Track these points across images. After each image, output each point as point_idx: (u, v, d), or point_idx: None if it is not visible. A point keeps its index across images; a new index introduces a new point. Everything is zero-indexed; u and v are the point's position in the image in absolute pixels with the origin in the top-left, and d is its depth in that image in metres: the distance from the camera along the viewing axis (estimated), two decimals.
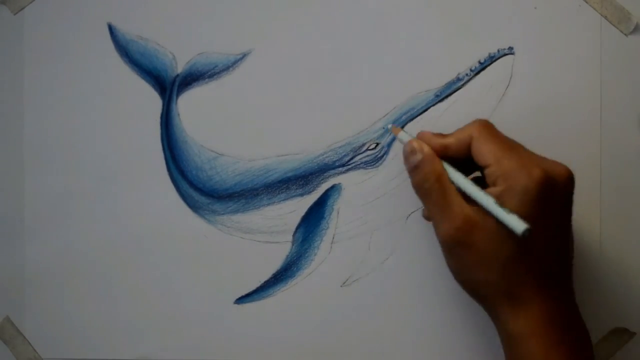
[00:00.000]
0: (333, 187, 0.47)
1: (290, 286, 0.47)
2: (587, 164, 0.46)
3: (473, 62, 0.46)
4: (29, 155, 0.49)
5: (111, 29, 0.48)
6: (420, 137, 0.41)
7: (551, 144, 0.46)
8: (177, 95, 0.48)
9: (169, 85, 0.48)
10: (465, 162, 0.39)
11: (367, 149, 0.47)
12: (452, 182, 0.39)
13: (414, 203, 0.46)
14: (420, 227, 0.46)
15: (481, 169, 0.38)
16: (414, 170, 0.40)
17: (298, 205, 0.47)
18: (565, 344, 0.37)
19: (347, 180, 0.47)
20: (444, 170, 0.39)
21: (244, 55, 0.47)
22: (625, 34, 0.45)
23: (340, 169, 0.47)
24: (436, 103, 0.46)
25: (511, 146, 0.38)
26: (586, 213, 0.45)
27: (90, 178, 0.48)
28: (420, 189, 0.40)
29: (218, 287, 0.47)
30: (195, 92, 0.48)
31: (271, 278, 0.47)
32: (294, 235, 0.47)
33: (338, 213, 0.47)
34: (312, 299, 0.47)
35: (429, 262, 0.46)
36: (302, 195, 0.47)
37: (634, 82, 0.46)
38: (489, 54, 0.46)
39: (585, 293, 0.45)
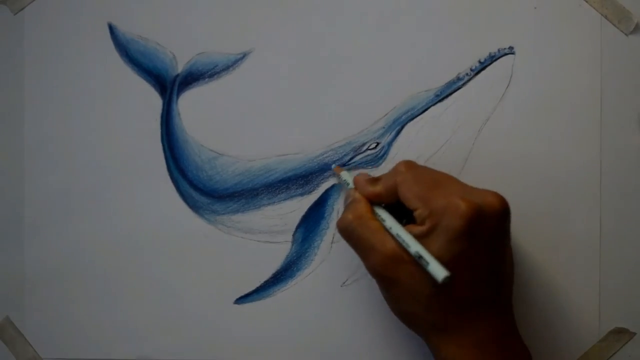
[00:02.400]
0: (333, 186, 0.47)
1: (290, 286, 0.47)
2: (587, 164, 0.46)
3: (473, 62, 0.46)
4: (29, 155, 0.49)
5: (111, 28, 0.48)
6: (355, 182, 0.42)
7: (551, 144, 0.46)
8: (178, 95, 0.48)
9: (169, 85, 0.48)
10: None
11: (368, 149, 0.47)
12: (385, 227, 0.39)
13: None
14: None
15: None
16: (344, 214, 0.41)
17: (298, 205, 0.47)
18: None
19: (347, 180, 0.47)
20: (368, 213, 0.40)
21: (244, 55, 0.48)
22: (625, 34, 0.45)
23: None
24: (436, 103, 0.46)
25: (436, 183, 0.39)
26: (586, 213, 0.45)
27: (90, 178, 0.48)
28: (346, 231, 0.40)
29: (218, 287, 0.47)
30: (196, 91, 0.48)
31: (271, 278, 0.47)
32: (294, 235, 0.47)
33: (338, 213, 0.47)
34: (312, 299, 0.47)
35: None
36: (302, 195, 0.47)
37: (634, 82, 0.46)
38: (489, 53, 0.46)
39: (585, 293, 0.45)
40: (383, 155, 0.46)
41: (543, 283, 0.45)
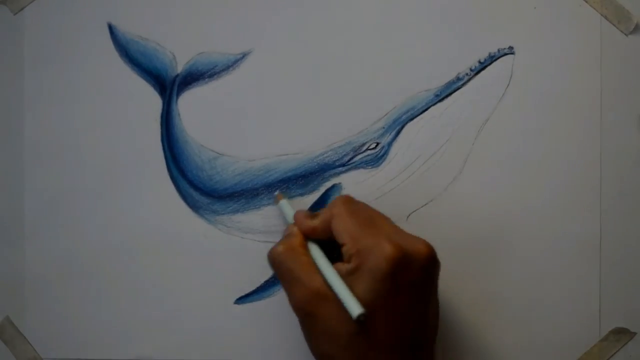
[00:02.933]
0: (333, 186, 0.47)
1: None
2: (587, 164, 0.46)
3: (473, 62, 0.46)
4: (29, 155, 0.49)
5: (111, 28, 0.48)
6: (295, 217, 0.42)
7: (551, 144, 0.46)
8: (177, 95, 0.48)
9: (169, 85, 0.48)
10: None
11: (368, 149, 0.47)
12: (314, 261, 0.39)
13: (414, 203, 0.46)
14: (420, 227, 0.46)
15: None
16: (276, 245, 0.41)
17: (298, 205, 0.47)
18: None
19: (348, 180, 0.47)
20: (301, 247, 0.40)
21: (244, 55, 0.48)
22: (625, 34, 0.45)
23: (340, 168, 0.47)
24: (436, 103, 0.46)
25: (369, 222, 0.39)
26: (586, 213, 0.45)
27: (90, 178, 0.48)
28: (275, 261, 0.40)
29: (218, 287, 0.47)
30: (196, 92, 0.48)
31: (271, 278, 0.47)
32: None
33: None
34: None
35: None
36: (302, 195, 0.47)
37: (634, 82, 0.46)
38: (489, 53, 0.46)
39: (585, 293, 0.45)
40: (383, 155, 0.46)
41: (543, 283, 0.45)
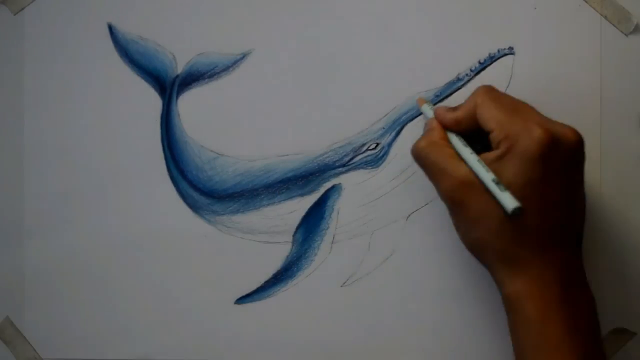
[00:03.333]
0: (333, 187, 0.47)
1: (290, 286, 0.47)
2: (587, 164, 0.46)
3: (473, 62, 0.46)
4: (29, 155, 0.49)
5: (111, 29, 0.48)
6: (436, 112, 0.42)
7: None
8: (177, 96, 0.48)
9: (169, 86, 0.48)
10: (481, 132, 0.40)
11: (368, 149, 0.47)
12: (458, 153, 0.40)
13: (414, 203, 0.46)
14: (420, 227, 0.46)
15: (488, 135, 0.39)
16: (418, 141, 0.41)
17: (298, 206, 0.47)
18: (564, 307, 0.37)
19: (348, 180, 0.47)
20: (444, 139, 0.40)
21: (244, 55, 0.47)
22: (625, 34, 0.45)
23: (340, 169, 0.47)
24: (436, 103, 0.46)
25: (515, 109, 0.39)
26: (586, 213, 0.45)
27: (90, 178, 0.48)
28: (419, 156, 0.41)
29: (218, 287, 0.47)
30: (195, 92, 0.48)
31: (271, 278, 0.47)
32: (294, 236, 0.47)
33: (338, 213, 0.47)
34: (312, 299, 0.47)
35: (429, 262, 0.46)
36: (302, 195, 0.47)
37: (634, 82, 0.45)
38: (489, 54, 0.46)
39: None
40: (383, 155, 0.46)
41: None
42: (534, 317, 0.37)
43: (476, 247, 0.40)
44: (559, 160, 0.37)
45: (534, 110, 0.39)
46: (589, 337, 0.38)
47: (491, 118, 0.38)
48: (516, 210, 0.36)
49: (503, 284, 0.39)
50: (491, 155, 0.38)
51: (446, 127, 0.41)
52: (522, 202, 0.36)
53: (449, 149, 0.40)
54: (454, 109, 0.41)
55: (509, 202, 0.36)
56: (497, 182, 0.37)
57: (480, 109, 0.39)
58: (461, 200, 0.38)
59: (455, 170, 0.38)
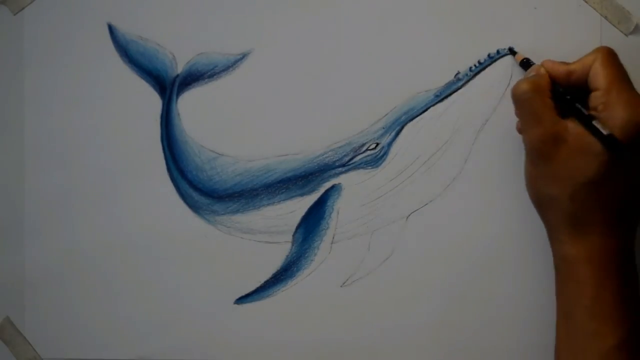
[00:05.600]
0: (333, 187, 0.47)
1: (290, 286, 0.47)
2: None
3: (473, 62, 0.46)
4: (29, 155, 0.49)
5: (111, 29, 0.48)
6: (545, 63, 0.42)
7: None
8: (177, 95, 0.48)
9: (169, 85, 0.48)
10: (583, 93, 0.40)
11: (367, 149, 0.46)
12: (557, 103, 0.40)
13: (414, 203, 0.46)
14: (420, 227, 0.46)
15: (589, 93, 0.40)
16: (521, 82, 0.41)
17: (298, 206, 0.47)
18: (618, 277, 0.38)
19: (347, 180, 0.47)
20: (547, 88, 0.40)
21: (244, 55, 0.47)
22: (625, 34, 0.45)
23: (340, 169, 0.47)
24: (436, 103, 0.46)
25: (626, 79, 0.39)
26: None
27: (90, 178, 0.48)
28: (520, 99, 0.41)
29: (218, 287, 0.47)
30: (195, 92, 0.48)
31: (271, 278, 0.47)
32: (294, 236, 0.47)
33: (338, 213, 0.47)
34: (312, 299, 0.47)
35: (428, 262, 0.46)
36: (302, 195, 0.47)
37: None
38: (489, 54, 0.46)
39: None
40: (383, 155, 0.46)
41: (544, 283, 0.45)
42: (591, 281, 0.38)
43: (546, 204, 0.40)
44: None
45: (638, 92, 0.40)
46: (636, 310, 0.39)
47: (603, 77, 0.39)
48: (611, 137, 0.37)
49: (564, 244, 0.39)
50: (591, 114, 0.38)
51: (554, 78, 0.41)
52: (607, 167, 0.37)
53: (550, 100, 0.40)
54: (566, 62, 0.42)
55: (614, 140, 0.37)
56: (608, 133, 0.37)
57: (597, 63, 0.40)
58: (549, 152, 0.39)
59: (551, 123, 0.39)
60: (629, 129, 0.37)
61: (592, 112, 0.39)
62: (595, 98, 0.39)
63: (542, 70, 0.42)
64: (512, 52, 0.45)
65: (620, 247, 0.39)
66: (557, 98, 0.40)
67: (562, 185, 0.39)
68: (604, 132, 0.37)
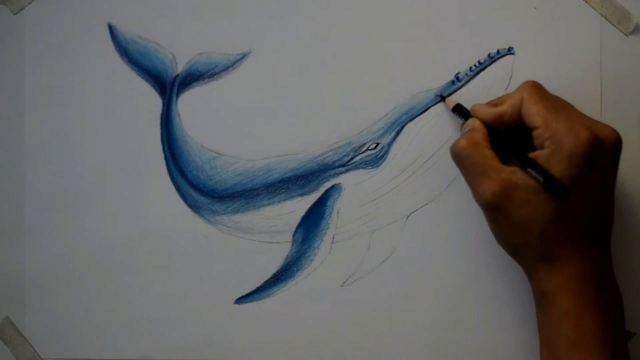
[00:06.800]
0: (333, 187, 0.47)
1: (290, 286, 0.47)
2: None
3: (473, 62, 0.46)
4: (29, 155, 0.49)
5: (111, 29, 0.48)
6: (473, 110, 0.42)
7: None
8: (177, 95, 0.48)
9: (169, 85, 0.48)
10: (520, 128, 0.40)
11: (368, 149, 0.47)
12: (505, 150, 0.40)
13: (414, 203, 0.46)
14: (420, 227, 0.46)
15: (530, 131, 0.39)
16: (457, 141, 0.40)
17: (298, 205, 0.47)
18: (598, 302, 0.38)
19: (347, 180, 0.47)
20: (484, 140, 0.40)
21: (244, 55, 0.47)
22: (625, 34, 0.45)
23: (340, 169, 0.47)
24: (436, 103, 0.46)
25: (560, 107, 0.39)
26: None
27: (90, 178, 0.48)
28: (459, 157, 0.40)
29: (218, 287, 0.47)
30: (195, 92, 0.48)
31: (271, 278, 0.47)
32: (294, 235, 0.47)
33: (338, 213, 0.47)
34: (312, 299, 0.47)
35: (428, 261, 0.46)
36: (302, 195, 0.47)
37: (634, 82, 0.45)
38: (489, 54, 0.46)
39: None
40: (383, 155, 0.46)
41: None
42: (571, 311, 0.38)
43: (517, 250, 0.40)
44: (600, 161, 0.38)
45: (577, 110, 0.40)
46: (619, 332, 0.39)
47: (537, 115, 0.38)
48: (564, 190, 0.37)
49: (541, 281, 0.39)
50: (538, 154, 0.38)
51: (487, 123, 0.41)
52: (565, 199, 0.37)
53: (490, 151, 0.39)
54: (493, 104, 0.41)
55: (559, 183, 0.37)
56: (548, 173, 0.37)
57: (527, 104, 0.39)
58: (503, 204, 0.38)
59: (497, 173, 0.38)
60: (577, 155, 0.37)
61: (538, 151, 0.38)
62: (539, 136, 0.38)
63: (477, 123, 0.41)
64: (442, 98, 0.45)
65: (596, 269, 0.39)
66: (496, 146, 0.40)
67: (526, 230, 0.38)
68: (540, 178, 0.37)
